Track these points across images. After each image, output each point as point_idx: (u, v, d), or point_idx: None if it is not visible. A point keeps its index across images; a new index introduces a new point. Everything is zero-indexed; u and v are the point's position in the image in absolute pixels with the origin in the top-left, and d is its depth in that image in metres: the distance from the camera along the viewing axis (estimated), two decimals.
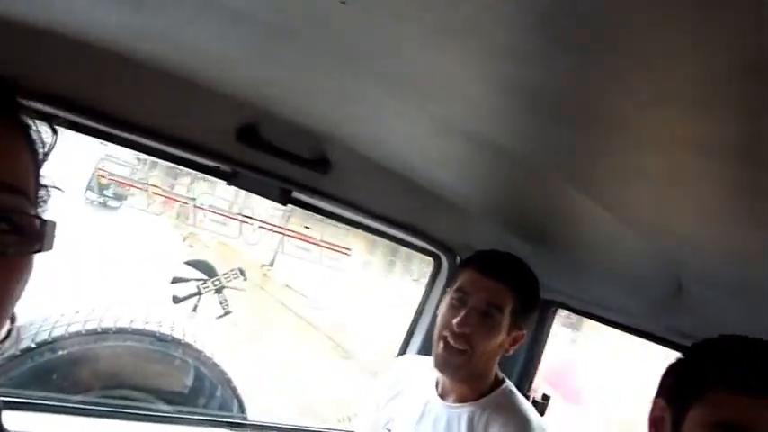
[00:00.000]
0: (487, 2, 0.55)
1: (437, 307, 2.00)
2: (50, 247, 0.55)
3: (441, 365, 1.45)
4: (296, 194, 1.61)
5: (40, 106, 1.33)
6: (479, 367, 1.47)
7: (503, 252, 1.52)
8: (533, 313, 1.56)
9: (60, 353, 2.27)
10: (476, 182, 1.56)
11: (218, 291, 3.46)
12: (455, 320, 1.41)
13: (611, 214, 1.20)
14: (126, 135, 1.40)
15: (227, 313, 3.48)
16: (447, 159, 1.41)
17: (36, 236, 0.54)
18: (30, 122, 0.58)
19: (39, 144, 0.59)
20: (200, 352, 2.56)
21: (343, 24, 0.81)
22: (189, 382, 2.50)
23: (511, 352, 1.51)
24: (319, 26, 0.85)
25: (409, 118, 1.15)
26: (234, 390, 2.60)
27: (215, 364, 2.59)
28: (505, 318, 1.43)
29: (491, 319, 1.42)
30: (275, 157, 1.48)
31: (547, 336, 2.06)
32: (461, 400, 1.49)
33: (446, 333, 1.43)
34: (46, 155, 0.60)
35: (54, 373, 2.22)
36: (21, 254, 0.53)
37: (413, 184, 1.65)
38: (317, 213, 1.73)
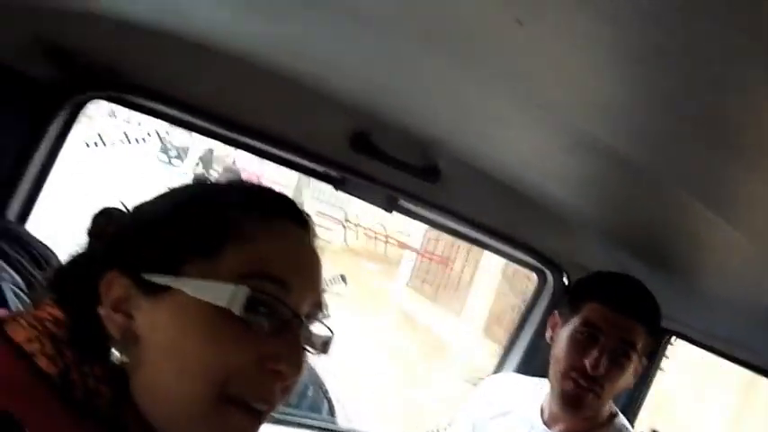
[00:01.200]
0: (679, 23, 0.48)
1: (539, 326, 1.93)
2: (328, 354, 0.67)
3: (566, 405, 1.34)
4: (403, 202, 1.58)
5: (162, 107, 1.40)
6: (605, 403, 1.37)
7: (630, 280, 1.40)
8: (656, 344, 1.44)
9: None
10: (593, 197, 1.47)
11: None
12: (588, 361, 1.29)
13: (748, 241, 1.09)
14: (241, 137, 1.43)
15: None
16: (562, 172, 1.33)
17: (324, 345, 0.66)
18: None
19: None
20: None
21: (478, 35, 0.76)
22: None
23: (632, 385, 1.40)
24: (451, 36, 0.82)
25: (529, 130, 1.09)
26: (325, 392, 2.62)
27: (307, 366, 2.61)
28: (638, 354, 1.33)
29: (625, 359, 1.31)
30: (385, 164, 1.46)
31: (657, 366, 1.91)
32: (571, 431, 1.40)
33: (574, 373, 1.31)
34: None
35: None
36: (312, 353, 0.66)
37: (522, 197, 1.58)
38: (423, 222, 1.70)
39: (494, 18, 0.64)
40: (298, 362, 0.59)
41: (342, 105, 1.38)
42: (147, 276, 0.59)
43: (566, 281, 1.87)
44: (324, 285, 0.66)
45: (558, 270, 1.85)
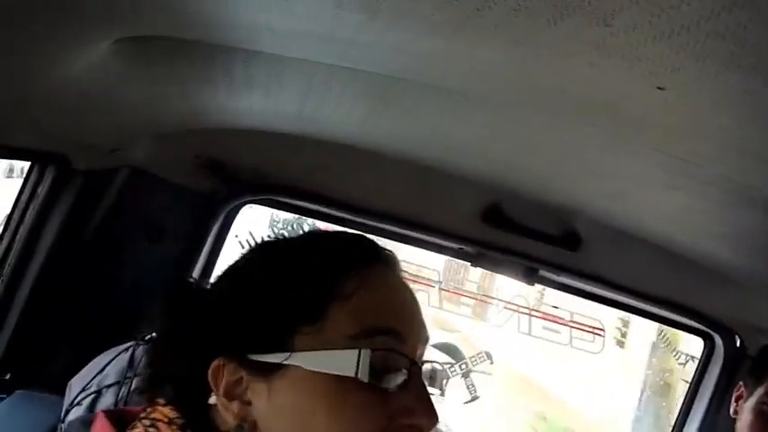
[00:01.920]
0: None
1: (713, 396, 1.73)
2: (444, 392, 0.65)
3: None
4: (543, 273, 1.53)
5: (304, 204, 1.50)
6: None
7: None
8: None
9: None
10: (755, 252, 1.32)
11: (465, 375, 3.37)
12: None
13: None
14: (376, 224, 1.48)
15: (474, 398, 3.37)
16: (726, 230, 1.22)
17: (439, 381, 0.69)
18: None
19: None
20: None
21: (617, 104, 0.74)
22: None
23: None
24: (587, 106, 0.80)
25: (689, 191, 1.02)
26: None
27: None
28: None
29: None
30: (521, 235, 1.44)
31: None
32: None
33: None
34: None
35: None
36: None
37: (679, 258, 1.46)
38: (566, 291, 1.62)
39: (635, 87, 0.63)
40: (431, 410, 0.56)
41: (472, 182, 1.40)
42: (256, 357, 0.55)
43: (739, 345, 1.67)
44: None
45: (728, 333, 1.66)
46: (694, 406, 1.78)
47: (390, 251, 0.65)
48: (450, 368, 3.25)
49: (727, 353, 1.69)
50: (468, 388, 3.29)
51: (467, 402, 3.29)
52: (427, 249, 1.59)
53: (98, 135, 1.12)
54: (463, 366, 3.32)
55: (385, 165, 1.41)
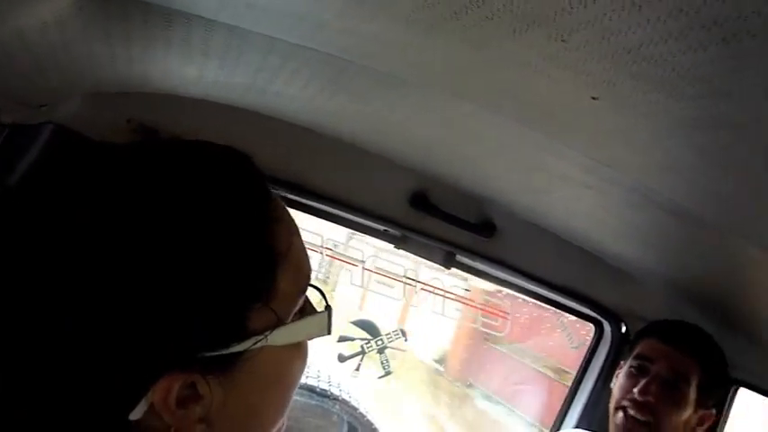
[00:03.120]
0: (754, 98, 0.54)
1: (599, 377, 1.92)
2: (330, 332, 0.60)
3: None
4: (460, 258, 1.64)
5: None
6: None
7: (687, 323, 1.42)
8: (721, 391, 1.42)
9: None
10: (656, 251, 1.49)
11: (381, 351, 3.51)
12: (636, 388, 1.31)
13: None
14: (304, 200, 1.53)
15: (388, 374, 3.51)
16: (623, 226, 1.37)
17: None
18: None
19: None
20: (355, 409, 2.61)
21: (552, 107, 0.83)
22: None
23: None
24: (519, 101, 0.88)
25: (599, 191, 1.13)
26: None
27: (369, 422, 2.62)
28: (692, 390, 1.31)
29: (676, 390, 1.31)
30: (442, 221, 1.53)
31: (727, 418, 1.86)
32: None
33: (626, 403, 1.33)
34: None
35: None
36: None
37: (580, 251, 1.62)
38: (480, 276, 1.74)
39: (573, 95, 0.70)
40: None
41: (400, 166, 1.47)
42: (211, 354, 0.45)
43: (624, 331, 1.86)
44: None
45: (616, 320, 1.85)
46: (582, 385, 1.96)
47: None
48: (366, 344, 3.38)
49: (613, 338, 1.88)
50: (382, 363, 3.43)
51: (380, 377, 3.43)
52: (354, 229, 1.65)
53: (33, 90, 1.10)
54: (379, 342, 3.46)
55: (325, 145, 1.46)
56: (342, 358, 3.29)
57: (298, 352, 0.51)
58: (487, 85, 0.82)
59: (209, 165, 0.50)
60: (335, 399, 2.56)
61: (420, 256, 1.64)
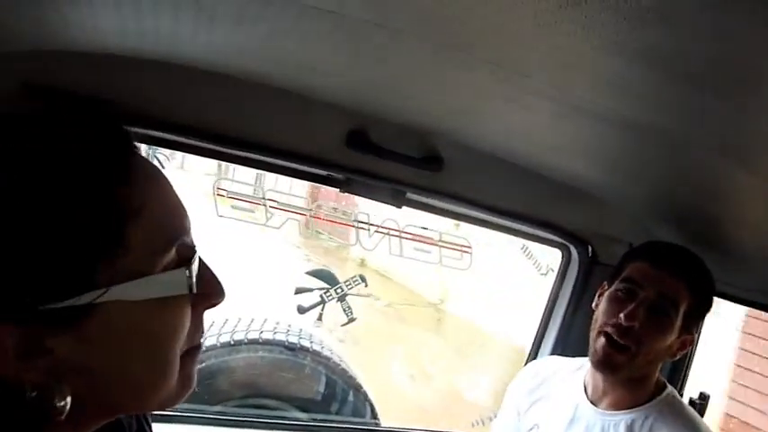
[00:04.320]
0: None
1: (569, 303, 1.88)
2: None
3: (600, 364, 1.29)
4: (410, 195, 1.55)
5: (157, 133, 1.40)
6: (642, 369, 1.30)
7: (676, 245, 1.34)
8: (705, 316, 1.37)
9: (199, 366, 2.39)
10: (608, 166, 1.41)
11: (341, 299, 3.50)
12: (622, 313, 1.24)
13: None
14: (237, 152, 1.42)
15: (351, 320, 3.52)
16: (571, 144, 1.28)
17: None
18: None
19: None
20: (328, 359, 2.60)
21: (447, 15, 0.74)
22: (321, 388, 2.54)
23: (677, 357, 1.34)
24: (421, 21, 0.79)
25: (524, 103, 1.05)
26: (365, 395, 2.61)
27: (344, 371, 2.62)
28: (679, 316, 1.26)
29: (664, 316, 1.25)
30: (386, 159, 1.43)
31: (700, 330, 1.84)
32: (618, 406, 1.34)
33: (608, 328, 1.27)
34: None
35: (195, 386, 2.34)
36: None
37: (534, 174, 1.54)
38: (434, 213, 1.66)
39: (477, 6, 0.61)
40: (222, 286, 0.60)
41: (333, 106, 1.36)
42: (55, 306, 0.46)
43: (591, 254, 1.82)
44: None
45: (582, 244, 1.80)
46: (554, 311, 1.93)
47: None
48: (325, 293, 3.37)
49: (581, 261, 1.83)
50: (344, 311, 3.43)
51: (344, 324, 3.45)
52: (294, 177, 1.55)
53: None
54: (338, 291, 3.45)
55: (245, 90, 1.34)
56: (301, 309, 3.27)
57: (164, 308, 0.52)
58: (409, 12, 0.75)
59: (60, 126, 0.52)
60: (306, 351, 2.55)
61: (368, 197, 1.55)
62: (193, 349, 0.59)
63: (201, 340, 0.61)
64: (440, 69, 0.99)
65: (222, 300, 0.60)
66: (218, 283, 0.59)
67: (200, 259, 0.57)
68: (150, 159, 0.59)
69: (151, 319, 0.52)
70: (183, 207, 0.57)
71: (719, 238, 1.46)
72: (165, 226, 0.53)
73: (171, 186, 0.56)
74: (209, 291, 0.58)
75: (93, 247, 0.48)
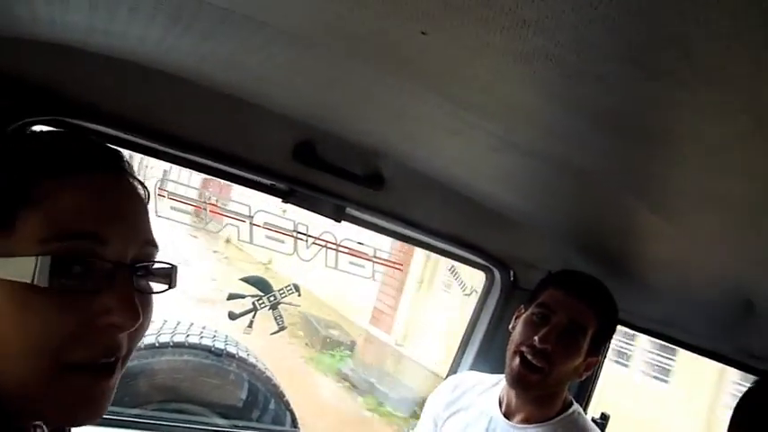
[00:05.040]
0: (567, 30, 0.53)
1: (490, 322, 1.99)
2: (175, 286, 0.67)
3: (514, 382, 1.40)
4: (350, 211, 1.61)
5: (107, 129, 1.39)
6: (552, 388, 1.42)
7: (587, 275, 1.47)
8: (609, 339, 1.51)
9: None
10: (535, 197, 1.52)
11: (274, 307, 3.48)
12: (537, 336, 1.36)
13: (683, 236, 1.16)
14: (184, 155, 1.43)
15: (282, 329, 3.50)
16: (504, 175, 1.38)
17: (168, 278, 0.66)
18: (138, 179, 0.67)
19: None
20: (254, 366, 2.59)
21: (406, 46, 0.80)
22: (243, 395, 2.52)
23: (583, 377, 1.46)
24: (379, 47, 0.85)
25: (465, 136, 1.13)
26: (287, 404, 2.62)
27: (268, 378, 2.61)
28: (586, 340, 1.38)
29: (573, 340, 1.37)
30: (330, 174, 1.49)
31: (605, 354, 1.99)
32: (529, 421, 1.45)
33: (524, 348, 1.38)
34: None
35: None
36: (158, 292, 0.65)
37: (467, 200, 1.64)
38: (371, 229, 1.72)
39: (404, 32, 0.68)
40: (130, 309, 0.58)
41: (283, 117, 1.40)
42: None
43: (513, 278, 1.93)
44: None
45: (504, 267, 1.91)
46: (475, 330, 2.03)
47: (115, 155, 0.65)
48: (258, 300, 3.35)
49: (503, 285, 1.95)
50: (276, 319, 3.42)
51: (273, 333, 3.43)
52: (239, 184, 1.57)
53: None
54: (271, 299, 3.44)
55: (194, 92, 1.36)
56: (233, 316, 3.25)
57: (15, 293, 0.54)
58: (348, 34, 0.80)
59: None
60: (232, 357, 2.53)
61: (309, 209, 1.59)
62: (87, 366, 0.57)
63: (107, 360, 0.58)
64: (391, 95, 1.05)
65: (122, 321, 0.57)
66: (126, 302, 0.58)
67: (119, 279, 0.58)
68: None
69: (7, 303, 0.54)
70: (110, 216, 0.59)
71: (626, 270, 1.61)
72: (61, 221, 0.56)
73: (109, 196, 0.60)
74: (106, 305, 0.57)
75: None
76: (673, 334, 1.71)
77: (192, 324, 2.68)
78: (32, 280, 0.53)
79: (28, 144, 0.62)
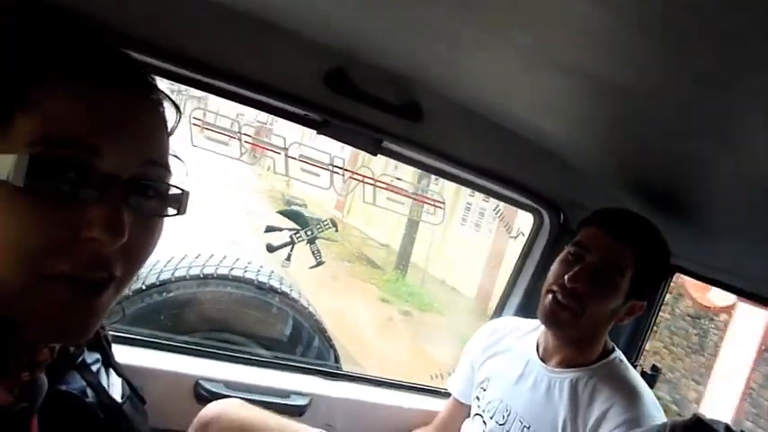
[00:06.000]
0: None
1: (537, 266, 1.90)
2: (185, 212, 0.64)
3: (546, 320, 1.36)
4: (387, 144, 1.54)
5: (138, 55, 1.36)
6: (587, 330, 1.36)
7: (632, 212, 1.39)
8: (657, 283, 1.41)
9: (167, 295, 2.40)
10: (586, 133, 1.40)
11: (311, 241, 3.50)
12: (567, 275, 1.31)
13: (751, 171, 1.03)
14: (214, 81, 1.39)
15: (319, 263, 3.53)
16: (551, 105, 1.27)
17: (176, 202, 0.64)
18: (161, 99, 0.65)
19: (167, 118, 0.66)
20: (296, 301, 2.62)
21: None
22: (286, 330, 2.57)
23: (625, 322, 1.39)
24: None
25: (505, 57, 1.03)
26: (328, 339, 2.65)
27: (311, 314, 2.64)
28: (625, 282, 1.31)
29: (608, 280, 1.30)
30: (365, 104, 1.41)
31: (660, 303, 1.87)
32: (565, 364, 1.40)
33: (555, 288, 1.33)
34: (172, 130, 0.67)
35: (161, 314, 2.37)
36: (162, 216, 0.63)
37: (513, 135, 1.52)
38: (409, 164, 1.65)
39: None
40: (113, 225, 0.55)
41: (313, 42, 1.33)
42: None
43: (562, 220, 1.82)
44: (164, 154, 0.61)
45: (555, 209, 1.80)
46: (522, 273, 1.95)
47: (133, 67, 0.62)
48: (295, 234, 3.37)
49: (551, 226, 1.85)
50: (313, 253, 3.45)
51: (312, 267, 3.46)
52: (272, 114, 1.52)
53: None
54: (309, 233, 3.45)
55: (224, 18, 1.30)
56: (270, 248, 3.29)
57: (8, 188, 0.52)
58: None
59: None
60: (275, 291, 2.57)
61: (344, 142, 1.54)
62: (66, 277, 0.55)
63: (90, 275, 0.56)
64: (424, 16, 0.97)
65: (103, 237, 0.55)
66: (110, 218, 0.55)
67: (109, 193, 0.55)
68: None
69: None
70: (109, 128, 0.56)
71: (685, 211, 1.47)
72: (54, 125, 0.54)
73: (110, 108, 0.57)
74: (90, 217, 0.55)
75: None
76: (735, 283, 1.57)
77: (237, 259, 2.73)
78: (7, 178, 0.52)
79: (37, 38, 0.58)
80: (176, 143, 0.67)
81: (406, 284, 9.98)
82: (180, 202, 0.64)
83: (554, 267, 1.38)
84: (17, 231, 0.53)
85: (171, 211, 0.63)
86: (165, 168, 0.63)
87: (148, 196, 0.60)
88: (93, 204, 0.55)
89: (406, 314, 8.72)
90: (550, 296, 1.34)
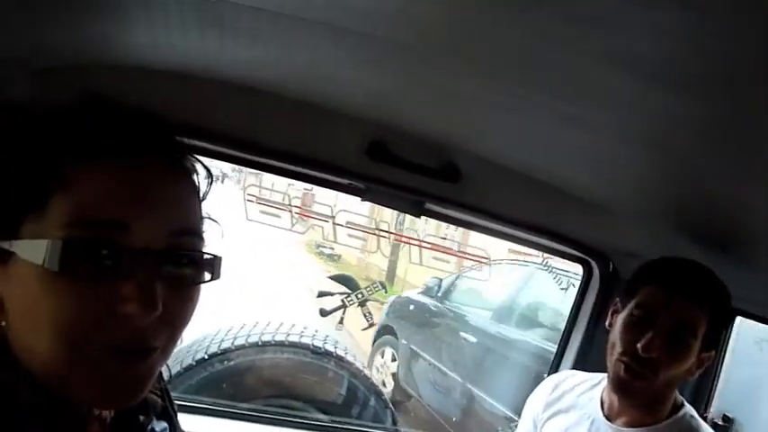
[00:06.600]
0: None
1: (591, 318, 1.87)
2: (219, 277, 0.65)
3: (619, 390, 1.28)
4: (429, 205, 1.59)
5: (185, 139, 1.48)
6: (661, 392, 1.28)
7: (691, 263, 1.29)
8: (725, 331, 1.34)
9: (228, 363, 2.48)
10: (629, 182, 1.41)
11: (362, 304, 3.56)
12: (640, 344, 1.21)
13: None
14: (264, 160, 1.49)
15: (371, 325, 3.57)
16: (591, 160, 1.29)
17: (209, 268, 0.64)
18: (192, 167, 0.66)
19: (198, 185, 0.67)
20: (351, 364, 2.65)
21: (463, 34, 0.78)
22: (342, 392, 2.59)
23: (696, 375, 1.30)
24: (437, 37, 0.83)
25: (542, 119, 1.07)
26: (385, 402, 2.65)
27: (366, 377, 2.66)
28: (698, 341, 1.22)
29: (683, 344, 1.22)
30: (405, 170, 1.48)
31: (725, 348, 1.80)
32: (634, 424, 1.32)
33: (626, 358, 1.24)
34: (204, 195, 0.68)
35: (224, 382, 2.44)
36: (198, 284, 0.63)
37: (553, 189, 1.55)
38: (453, 223, 1.70)
39: (490, 19, 0.66)
40: (146, 299, 0.56)
41: (354, 118, 1.42)
42: None
43: (612, 269, 1.81)
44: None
45: (602, 259, 1.79)
46: (576, 326, 1.93)
47: (161, 137, 0.63)
48: (347, 298, 3.43)
49: (602, 277, 1.83)
50: (364, 316, 3.48)
51: (364, 329, 3.49)
52: (319, 185, 1.61)
53: None
54: (359, 296, 3.50)
55: (269, 101, 1.40)
56: (323, 313, 3.35)
57: (47, 274, 0.54)
58: (426, 30, 0.79)
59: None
60: (330, 355, 2.60)
61: (388, 206, 1.61)
62: (113, 350, 0.57)
63: (134, 346, 0.58)
64: (456, 89, 1.03)
65: (137, 310, 0.56)
66: (142, 292, 0.56)
67: (140, 267, 0.56)
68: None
69: (37, 285, 0.55)
70: (135, 203, 0.58)
71: (740, 252, 1.44)
72: (85, 207, 0.56)
73: (135, 184, 0.58)
74: (124, 293, 0.56)
75: (24, 201, 0.57)
76: None
77: (293, 325, 2.79)
78: (43, 263, 0.54)
79: (73, 125, 0.60)
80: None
81: None
82: (213, 268, 0.64)
83: (619, 331, 1.29)
84: (55, 312, 0.55)
85: (206, 276, 0.63)
86: (197, 236, 0.63)
87: (181, 265, 0.61)
88: (126, 280, 0.56)
89: None
90: (623, 366, 1.24)
